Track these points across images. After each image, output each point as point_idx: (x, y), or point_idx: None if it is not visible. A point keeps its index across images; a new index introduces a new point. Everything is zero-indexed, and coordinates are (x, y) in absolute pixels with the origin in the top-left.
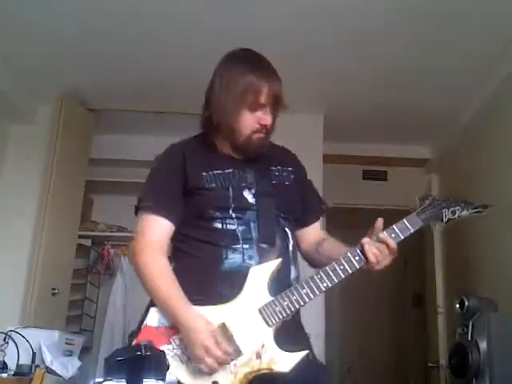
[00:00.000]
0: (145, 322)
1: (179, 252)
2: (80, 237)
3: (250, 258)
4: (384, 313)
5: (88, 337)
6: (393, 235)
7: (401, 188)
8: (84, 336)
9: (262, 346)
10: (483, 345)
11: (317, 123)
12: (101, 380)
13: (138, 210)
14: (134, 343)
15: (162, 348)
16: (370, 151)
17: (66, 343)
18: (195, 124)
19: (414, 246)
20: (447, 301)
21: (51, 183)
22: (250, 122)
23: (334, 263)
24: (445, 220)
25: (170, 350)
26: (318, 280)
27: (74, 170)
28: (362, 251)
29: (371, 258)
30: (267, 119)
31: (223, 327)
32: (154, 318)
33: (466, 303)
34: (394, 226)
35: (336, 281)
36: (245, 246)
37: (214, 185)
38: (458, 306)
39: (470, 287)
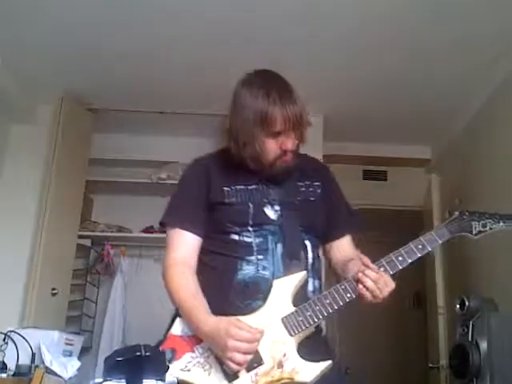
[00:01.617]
0: (170, 331)
1: (201, 264)
2: (80, 237)
3: (264, 268)
4: (384, 313)
5: (87, 337)
6: (419, 246)
7: (401, 188)
8: (83, 336)
9: (284, 355)
10: (484, 345)
11: (317, 123)
12: (100, 380)
13: (164, 224)
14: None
15: (185, 356)
16: (370, 151)
17: (66, 343)
18: (195, 124)
19: None
20: (448, 301)
21: (51, 183)
22: (272, 148)
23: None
24: (474, 232)
25: (192, 358)
26: (341, 290)
27: (73, 169)
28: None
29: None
30: (288, 144)
31: None
32: (178, 328)
33: (467, 303)
34: (421, 238)
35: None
36: (259, 257)
37: (234, 199)
38: (458, 306)
39: (470, 287)
